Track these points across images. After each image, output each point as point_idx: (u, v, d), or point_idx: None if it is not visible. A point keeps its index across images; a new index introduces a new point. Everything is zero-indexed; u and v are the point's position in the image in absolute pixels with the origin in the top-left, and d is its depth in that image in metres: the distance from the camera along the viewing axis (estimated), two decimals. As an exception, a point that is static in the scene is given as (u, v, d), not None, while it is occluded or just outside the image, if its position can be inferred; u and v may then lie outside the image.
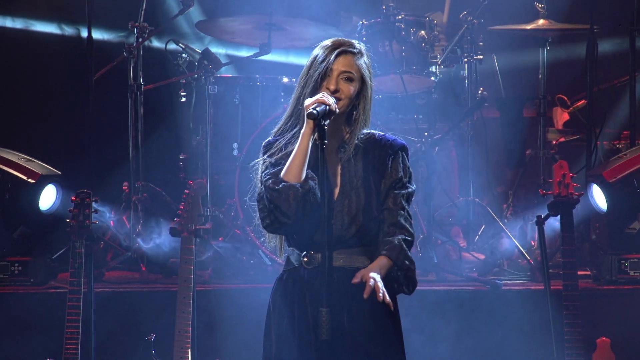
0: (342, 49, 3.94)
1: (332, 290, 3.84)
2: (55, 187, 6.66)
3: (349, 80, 3.92)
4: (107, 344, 6.23)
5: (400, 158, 3.99)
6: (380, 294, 3.78)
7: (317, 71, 3.90)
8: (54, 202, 6.66)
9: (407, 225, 3.95)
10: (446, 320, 6.41)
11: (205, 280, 6.78)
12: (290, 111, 3.99)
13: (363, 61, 3.96)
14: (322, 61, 3.91)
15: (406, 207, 3.97)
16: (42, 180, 6.60)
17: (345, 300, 3.89)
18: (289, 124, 3.98)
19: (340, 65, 3.92)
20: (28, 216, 6.68)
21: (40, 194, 6.59)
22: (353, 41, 4.00)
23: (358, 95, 3.95)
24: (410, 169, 4.02)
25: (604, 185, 6.49)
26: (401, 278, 3.91)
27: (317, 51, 3.95)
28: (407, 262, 3.91)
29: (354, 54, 3.95)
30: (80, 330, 5.32)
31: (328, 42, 3.97)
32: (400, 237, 3.92)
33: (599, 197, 6.54)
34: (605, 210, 6.54)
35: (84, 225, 5.36)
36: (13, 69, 8.42)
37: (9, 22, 8.43)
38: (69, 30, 8.44)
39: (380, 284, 3.80)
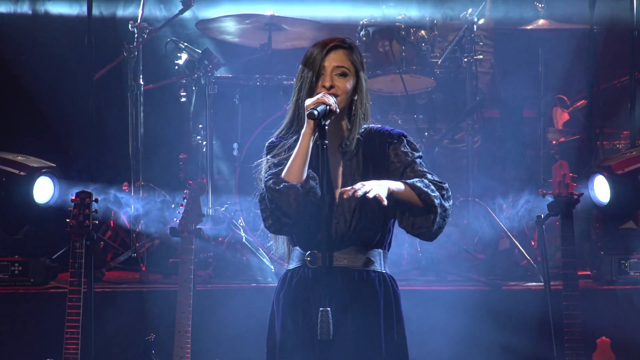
0: (332, 45, 3.93)
1: (334, 290, 3.84)
2: (51, 179, 6.62)
3: (344, 75, 3.92)
4: (107, 344, 6.24)
5: (405, 142, 3.97)
6: (359, 192, 3.70)
7: (311, 71, 3.90)
8: (52, 195, 6.63)
9: (435, 179, 3.89)
10: (446, 321, 6.41)
11: (205, 280, 6.78)
12: (291, 116, 3.98)
13: (355, 55, 3.96)
14: (314, 60, 3.91)
15: (427, 169, 3.92)
16: (34, 172, 6.57)
17: (349, 301, 3.89)
18: (292, 129, 3.97)
19: (332, 61, 3.91)
20: (25, 210, 6.64)
21: (33, 186, 6.55)
22: (342, 37, 3.99)
23: (354, 90, 3.94)
24: (419, 149, 4.00)
25: (610, 176, 6.46)
26: (416, 208, 3.83)
27: (309, 52, 3.95)
28: (420, 185, 3.81)
29: (344, 48, 3.94)
30: (80, 330, 5.31)
31: (318, 42, 3.97)
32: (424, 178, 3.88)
33: (601, 189, 6.49)
34: (605, 204, 6.51)
35: (84, 225, 5.36)
36: (11, 69, 8.42)
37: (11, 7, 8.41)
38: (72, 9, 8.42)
39: (365, 187, 3.71)
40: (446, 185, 3.90)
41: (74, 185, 6.48)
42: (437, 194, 3.84)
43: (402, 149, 3.96)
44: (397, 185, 3.81)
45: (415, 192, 3.82)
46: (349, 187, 3.74)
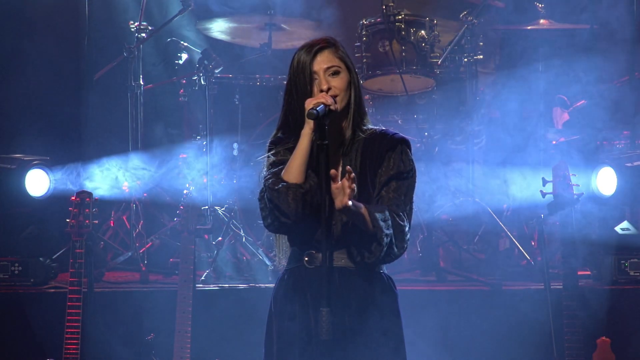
0: (317, 47, 3.90)
1: (333, 290, 3.84)
2: (44, 170, 6.60)
3: (336, 73, 3.89)
4: (107, 344, 6.24)
5: (401, 151, 3.93)
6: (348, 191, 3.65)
7: (303, 78, 3.88)
8: (48, 187, 6.61)
9: (400, 212, 3.84)
10: (446, 321, 6.41)
11: (205, 280, 6.79)
12: (281, 124, 3.95)
13: (340, 52, 3.94)
14: (304, 66, 3.88)
15: (403, 197, 3.87)
16: (24, 165, 6.55)
17: (347, 301, 3.89)
18: (288, 135, 3.95)
19: (322, 63, 3.89)
20: (20, 203, 6.62)
21: (25, 178, 6.53)
22: (324, 37, 3.97)
23: (350, 85, 3.93)
24: (413, 164, 3.94)
25: (619, 168, 6.43)
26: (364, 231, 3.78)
27: (295, 61, 3.91)
28: (378, 217, 3.73)
29: (329, 47, 3.92)
30: (80, 330, 5.32)
31: (302, 47, 3.94)
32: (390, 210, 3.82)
33: (606, 181, 6.45)
34: (608, 196, 6.48)
35: (84, 225, 5.37)
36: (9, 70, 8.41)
37: None
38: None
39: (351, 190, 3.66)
40: (405, 225, 3.84)
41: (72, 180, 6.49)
42: (390, 232, 3.80)
43: (396, 158, 3.93)
44: (357, 206, 3.74)
45: (370, 219, 3.77)
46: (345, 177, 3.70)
